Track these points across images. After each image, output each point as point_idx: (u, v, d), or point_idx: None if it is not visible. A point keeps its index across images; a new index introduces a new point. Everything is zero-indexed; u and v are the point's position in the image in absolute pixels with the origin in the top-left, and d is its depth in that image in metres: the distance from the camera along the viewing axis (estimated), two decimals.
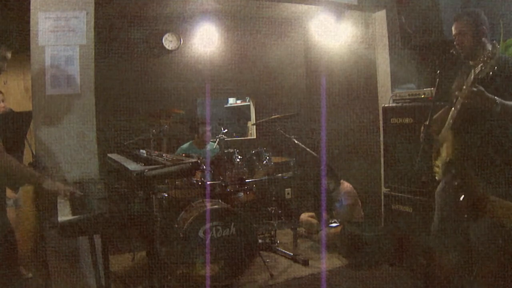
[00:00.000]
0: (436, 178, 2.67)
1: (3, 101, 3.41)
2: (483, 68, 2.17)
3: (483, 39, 2.43)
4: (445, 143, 2.49)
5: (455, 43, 2.52)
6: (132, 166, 2.01)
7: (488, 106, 2.22)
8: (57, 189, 2.02)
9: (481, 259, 2.45)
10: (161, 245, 3.29)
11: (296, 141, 4.05)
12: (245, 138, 5.56)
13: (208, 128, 4.33)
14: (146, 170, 1.85)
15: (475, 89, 2.19)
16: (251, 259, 3.34)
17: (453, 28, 2.52)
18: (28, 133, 3.02)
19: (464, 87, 2.26)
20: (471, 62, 2.50)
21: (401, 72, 3.93)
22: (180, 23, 4.87)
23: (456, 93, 2.33)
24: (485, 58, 2.17)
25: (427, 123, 2.66)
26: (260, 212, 4.43)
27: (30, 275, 3.41)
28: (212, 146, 4.38)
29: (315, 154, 4.17)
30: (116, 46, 4.54)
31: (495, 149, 2.40)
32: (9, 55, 2.08)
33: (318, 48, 5.25)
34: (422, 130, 2.69)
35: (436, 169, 2.64)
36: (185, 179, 3.55)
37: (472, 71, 2.24)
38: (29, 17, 2.73)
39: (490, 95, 2.21)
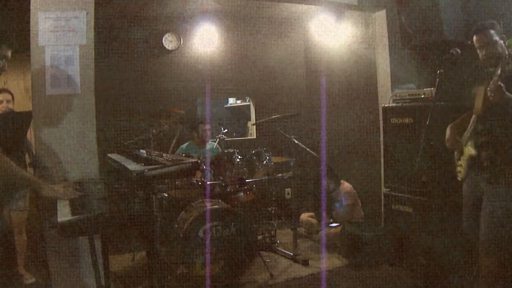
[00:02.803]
0: (459, 178, 2.67)
1: (8, 101, 3.41)
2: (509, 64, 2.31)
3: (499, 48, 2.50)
4: (469, 142, 2.51)
5: (480, 55, 2.57)
6: (132, 166, 2.00)
7: (503, 102, 2.28)
8: (56, 195, 1.99)
9: (481, 259, 2.46)
10: (161, 245, 3.28)
11: (296, 141, 4.05)
12: (245, 138, 5.56)
13: (207, 127, 4.32)
14: (146, 170, 1.85)
15: (500, 83, 2.27)
16: (251, 259, 3.34)
17: (474, 41, 2.57)
18: (28, 133, 3.02)
19: (491, 83, 2.31)
20: (490, 68, 2.53)
21: (401, 72, 3.93)
22: (180, 23, 4.87)
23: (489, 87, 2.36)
24: (507, 57, 2.32)
25: (427, 123, 2.67)
26: (260, 212, 4.43)
27: (33, 279, 3.40)
28: (212, 145, 4.38)
29: (315, 154, 4.17)
30: (116, 46, 4.54)
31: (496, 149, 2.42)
32: (9, 54, 2.07)
33: (318, 48, 5.25)
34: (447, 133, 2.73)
35: (459, 169, 2.65)
36: (185, 179, 3.55)
37: (500, 65, 2.31)
38: (29, 17, 2.73)
39: (508, 94, 2.27)
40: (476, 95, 2.48)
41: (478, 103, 2.44)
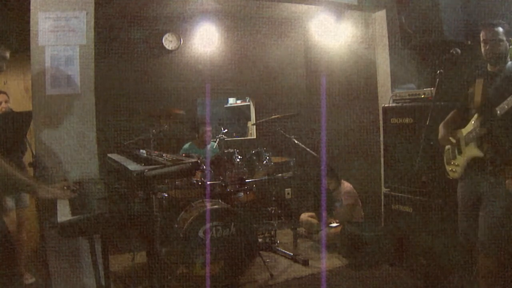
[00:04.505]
0: (451, 177, 2.68)
1: (6, 101, 3.42)
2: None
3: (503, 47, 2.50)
4: (472, 142, 2.51)
5: (483, 50, 2.55)
6: (132, 166, 2.00)
7: None
8: (52, 196, 1.99)
9: (480, 259, 2.46)
10: (161, 245, 3.28)
11: (296, 141, 4.05)
12: (245, 138, 5.56)
13: (208, 128, 4.33)
14: (146, 170, 1.85)
15: None
16: (251, 259, 3.34)
17: (481, 35, 2.56)
18: (28, 133, 3.02)
19: None
20: (489, 68, 2.52)
21: (401, 72, 3.93)
22: (180, 23, 4.87)
23: None
24: None
25: (428, 123, 2.67)
26: (260, 212, 4.43)
27: (33, 279, 3.41)
28: (212, 146, 4.38)
29: (315, 154, 4.17)
30: (116, 46, 4.54)
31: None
32: (8, 55, 2.07)
33: (318, 48, 5.25)
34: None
35: (453, 168, 2.65)
36: (185, 179, 3.55)
37: None
38: (29, 17, 2.73)
39: None
40: (475, 89, 2.48)
41: (478, 97, 2.44)
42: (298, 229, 4.21)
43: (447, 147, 2.73)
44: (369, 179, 4.27)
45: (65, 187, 2.04)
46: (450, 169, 2.71)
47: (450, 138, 2.64)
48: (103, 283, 2.36)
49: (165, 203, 3.58)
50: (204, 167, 3.62)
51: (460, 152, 2.62)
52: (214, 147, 4.35)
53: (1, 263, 1.91)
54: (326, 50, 5.06)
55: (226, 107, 6.27)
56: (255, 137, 5.39)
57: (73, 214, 1.80)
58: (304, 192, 5.22)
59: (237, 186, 3.68)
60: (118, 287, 3.35)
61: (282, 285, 3.33)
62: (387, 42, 3.94)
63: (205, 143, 4.35)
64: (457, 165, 2.63)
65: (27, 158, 3.30)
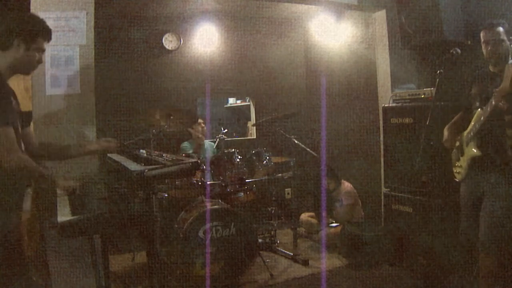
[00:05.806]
0: (457, 179, 2.68)
1: None
2: None
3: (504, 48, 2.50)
4: (472, 142, 2.51)
5: (484, 51, 2.54)
6: (132, 166, 2.01)
7: None
8: (70, 184, 1.99)
9: (481, 259, 2.46)
10: (161, 245, 3.28)
11: (296, 141, 4.05)
12: (245, 138, 5.56)
13: (200, 120, 4.33)
14: (146, 170, 1.85)
15: None
16: (251, 259, 3.34)
17: (481, 36, 2.55)
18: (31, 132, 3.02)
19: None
20: (491, 68, 2.52)
21: (401, 72, 3.93)
22: (180, 23, 4.87)
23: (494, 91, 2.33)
24: None
25: (427, 123, 2.67)
26: (260, 212, 4.43)
27: (34, 279, 3.40)
28: (212, 146, 4.37)
29: (315, 154, 4.16)
30: (116, 46, 4.54)
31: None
32: (45, 46, 2.06)
33: (318, 48, 5.25)
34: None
35: (458, 170, 2.65)
36: (185, 179, 3.54)
37: None
38: None
39: None
40: (505, 73, 2.46)
41: (507, 81, 2.43)
42: (298, 229, 4.21)
43: (454, 150, 2.73)
44: (369, 179, 4.27)
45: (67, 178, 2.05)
46: (455, 171, 2.71)
47: (456, 139, 2.63)
48: (103, 283, 2.36)
49: (165, 203, 3.58)
50: (204, 167, 3.62)
51: (462, 154, 2.62)
52: (214, 147, 4.34)
53: (9, 262, 1.90)
54: (326, 50, 5.06)
55: (226, 107, 6.27)
56: (255, 137, 5.39)
57: (73, 214, 1.80)
58: (304, 192, 5.21)
59: (237, 186, 3.68)
60: (118, 287, 3.35)
61: (282, 285, 3.32)
62: (387, 42, 3.94)
63: (201, 140, 4.35)
64: (461, 167, 2.64)
65: None
